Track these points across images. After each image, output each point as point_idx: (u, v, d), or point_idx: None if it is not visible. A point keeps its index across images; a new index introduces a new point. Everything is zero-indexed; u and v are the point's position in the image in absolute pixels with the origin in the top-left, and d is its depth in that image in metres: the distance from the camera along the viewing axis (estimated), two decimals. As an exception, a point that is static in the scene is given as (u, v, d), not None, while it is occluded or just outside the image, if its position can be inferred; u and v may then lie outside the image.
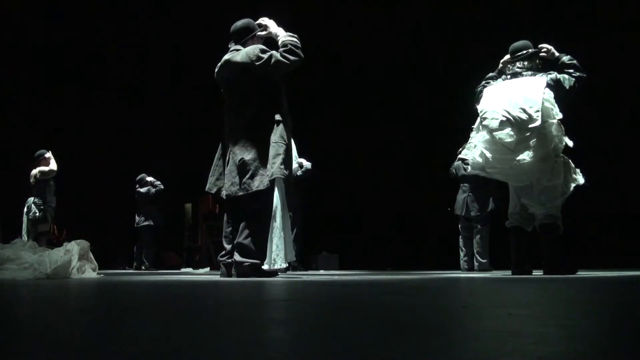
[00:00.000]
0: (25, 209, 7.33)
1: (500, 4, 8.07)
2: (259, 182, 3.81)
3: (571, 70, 4.11)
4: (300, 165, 6.85)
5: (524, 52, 4.30)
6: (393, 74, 9.43)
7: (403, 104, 9.46)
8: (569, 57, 4.21)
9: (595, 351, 0.78)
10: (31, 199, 7.27)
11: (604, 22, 7.44)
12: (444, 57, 8.72)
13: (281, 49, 3.88)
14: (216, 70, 4.16)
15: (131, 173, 9.78)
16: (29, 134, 8.80)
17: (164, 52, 10.68)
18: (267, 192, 3.81)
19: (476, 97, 4.38)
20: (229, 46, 4.20)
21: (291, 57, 3.83)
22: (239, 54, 3.99)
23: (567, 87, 4.04)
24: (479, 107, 4.18)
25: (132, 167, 9.90)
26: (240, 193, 3.87)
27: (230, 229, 4.06)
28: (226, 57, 4.08)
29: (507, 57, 4.43)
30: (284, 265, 3.81)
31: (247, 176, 3.84)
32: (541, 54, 4.28)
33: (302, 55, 3.87)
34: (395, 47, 9.39)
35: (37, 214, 7.15)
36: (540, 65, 4.26)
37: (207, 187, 4.22)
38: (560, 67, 4.16)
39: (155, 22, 10.22)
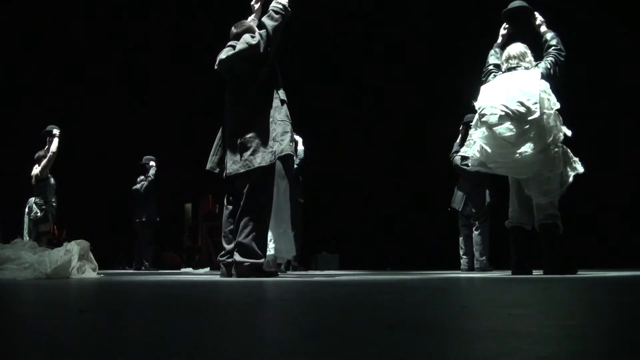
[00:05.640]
0: (26, 209, 7.32)
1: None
2: (260, 159, 3.84)
3: (551, 49, 4.18)
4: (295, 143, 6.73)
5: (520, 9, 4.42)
6: (394, 72, 9.43)
7: (403, 103, 9.46)
8: (552, 34, 4.25)
9: (595, 351, 0.78)
10: (32, 199, 7.26)
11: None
12: (442, 55, 8.71)
13: (264, 18, 4.03)
14: (215, 67, 4.20)
15: (131, 173, 9.77)
16: (29, 134, 8.77)
17: (164, 52, 10.68)
18: (269, 169, 3.86)
19: (484, 77, 4.42)
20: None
21: (272, 22, 3.97)
22: (234, 47, 4.09)
23: (552, 74, 4.08)
24: (477, 104, 4.19)
25: (132, 167, 9.88)
26: (242, 170, 3.88)
27: (229, 228, 4.07)
28: (221, 56, 4.14)
29: (505, 25, 4.55)
30: (290, 257, 3.83)
31: (249, 153, 3.87)
32: (535, 21, 4.37)
33: (284, 12, 3.99)
34: (394, 45, 9.39)
35: (39, 213, 7.15)
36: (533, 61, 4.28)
37: (208, 166, 4.20)
38: (542, 45, 4.24)
39: (156, 22, 10.22)
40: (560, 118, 3.97)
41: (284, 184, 4.12)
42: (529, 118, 3.88)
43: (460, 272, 6.21)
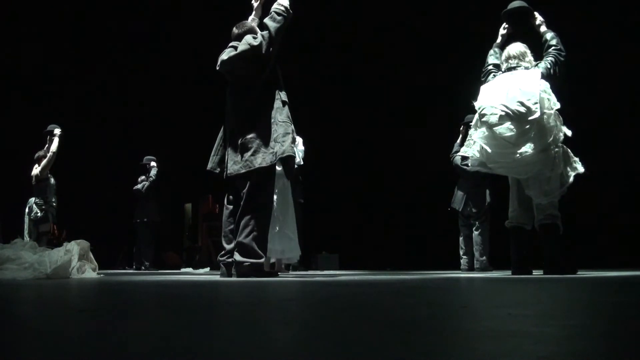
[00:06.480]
0: (26, 210, 7.32)
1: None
2: (261, 159, 3.85)
3: (550, 49, 4.18)
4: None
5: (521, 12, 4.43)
6: (394, 72, 9.43)
7: (403, 103, 9.45)
8: (552, 34, 4.26)
9: (595, 351, 0.78)
10: (32, 200, 7.26)
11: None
12: (442, 56, 8.71)
13: (266, 20, 4.04)
14: (217, 67, 4.21)
15: (131, 173, 9.77)
16: (29, 135, 8.77)
17: (165, 52, 10.68)
18: (270, 170, 3.87)
19: (484, 77, 4.43)
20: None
21: (273, 24, 3.99)
22: (236, 48, 4.09)
23: (552, 74, 4.09)
24: (477, 104, 4.20)
25: (132, 167, 9.88)
26: (243, 170, 3.89)
27: (229, 228, 4.07)
28: (223, 56, 4.14)
29: (504, 25, 4.55)
30: (297, 257, 3.86)
31: (250, 153, 3.88)
32: (535, 21, 4.38)
33: (286, 14, 4.01)
34: (394, 44, 9.39)
35: (39, 214, 7.14)
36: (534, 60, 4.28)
37: (208, 166, 4.21)
38: (542, 44, 4.24)
39: (159, 24, 10.22)
40: (561, 118, 3.97)
41: (281, 184, 4.13)
42: (529, 118, 3.88)
43: (460, 272, 6.21)
